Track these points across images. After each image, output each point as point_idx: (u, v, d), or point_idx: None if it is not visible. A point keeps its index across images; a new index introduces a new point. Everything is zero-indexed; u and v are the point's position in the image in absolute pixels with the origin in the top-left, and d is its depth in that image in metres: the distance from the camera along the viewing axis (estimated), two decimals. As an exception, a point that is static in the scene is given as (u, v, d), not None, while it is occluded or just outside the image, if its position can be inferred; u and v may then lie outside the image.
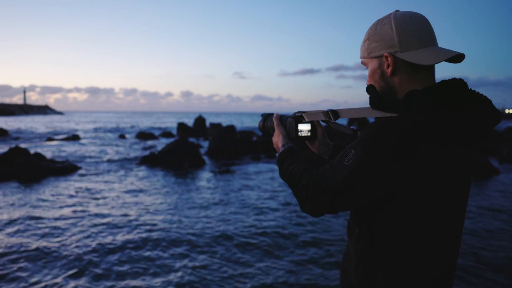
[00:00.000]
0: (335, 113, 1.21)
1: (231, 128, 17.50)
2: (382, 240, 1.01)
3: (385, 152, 0.92)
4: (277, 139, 1.39)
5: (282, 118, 1.44)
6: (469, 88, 1.02)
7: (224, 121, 49.55)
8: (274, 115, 1.46)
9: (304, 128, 1.38)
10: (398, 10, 1.07)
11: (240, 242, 5.67)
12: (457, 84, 1.02)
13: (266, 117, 1.56)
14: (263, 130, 1.58)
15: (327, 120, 1.33)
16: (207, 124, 33.97)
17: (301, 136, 1.39)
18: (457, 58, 1.00)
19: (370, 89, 1.09)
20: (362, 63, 1.17)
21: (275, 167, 13.84)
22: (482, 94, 1.01)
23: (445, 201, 0.98)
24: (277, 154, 1.36)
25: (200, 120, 32.91)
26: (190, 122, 37.79)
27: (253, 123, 65.03)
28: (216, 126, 29.93)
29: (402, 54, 1.03)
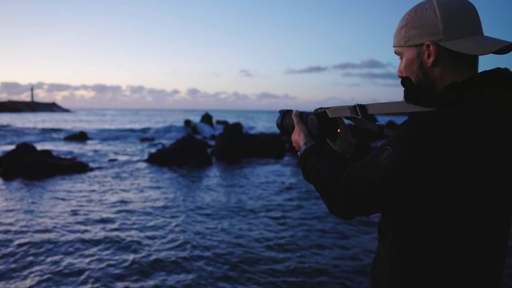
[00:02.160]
0: (363, 109, 1.11)
1: (237, 125, 17.44)
2: (418, 245, 0.92)
3: (424, 150, 0.84)
4: (298, 137, 1.29)
5: (302, 115, 1.35)
6: None
7: (231, 119, 49.56)
8: (294, 112, 1.37)
9: (326, 125, 1.28)
10: None
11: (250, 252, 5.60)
12: (502, 75, 0.92)
13: (285, 113, 1.46)
14: (281, 128, 1.48)
15: (353, 117, 1.23)
16: (214, 121, 34.03)
17: (324, 134, 1.29)
18: (505, 48, 0.90)
19: (405, 81, 0.99)
20: (395, 52, 1.06)
21: (283, 165, 13.77)
22: None
23: (487, 203, 0.89)
24: (299, 153, 1.26)
25: (206, 117, 32.97)
26: (197, 119, 37.82)
27: (260, 121, 65.00)
28: (223, 124, 29.92)
29: (446, 43, 0.92)
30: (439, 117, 0.86)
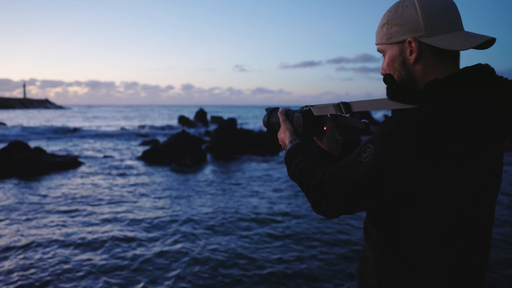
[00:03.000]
0: (347, 106, 1.11)
1: (232, 121, 17.41)
2: (402, 243, 0.92)
3: (407, 148, 0.83)
4: (284, 135, 1.29)
5: (288, 113, 1.34)
6: (497, 74, 0.92)
7: (226, 114, 49.48)
8: (280, 110, 1.36)
9: (312, 123, 1.27)
10: None
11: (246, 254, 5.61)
12: (483, 70, 0.91)
13: (271, 112, 1.46)
14: (268, 126, 1.48)
15: (338, 114, 1.23)
16: (208, 117, 33.92)
17: (309, 132, 1.28)
18: (486, 43, 0.90)
19: (387, 78, 0.99)
20: (378, 50, 1.06)
21: (276, 162, 13.78)
22: None
23: (471, 201, 0.89)
24: (284, 152, 1.25)
25: (201, 113, 32.88)
26: (191, 115, 37.73)
27: (254, 117, 64.90)
28: (217, 120, 29.86)
29: (428, 39, 0.93)
30: (421, 114, 0.85)
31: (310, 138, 1.33)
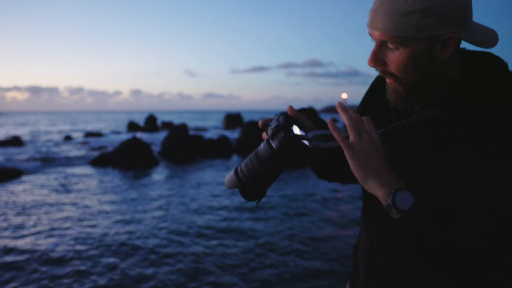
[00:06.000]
0: None
1: (183, 126, 17.25)
2: None
3: None
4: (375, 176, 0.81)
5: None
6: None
7: (176, 120, 48.78)
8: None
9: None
10: None
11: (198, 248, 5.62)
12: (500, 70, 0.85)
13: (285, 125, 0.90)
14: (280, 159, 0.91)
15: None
16: (159, 123, 33.32)
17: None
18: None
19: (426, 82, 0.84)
20: (387, 40, 0.81)
21: (228, 165, 13.84)
22: None
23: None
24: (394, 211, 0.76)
25: (151, 119, 32.24)
26: (141, 121, 36.80)
27: (205, 121, 64.57)
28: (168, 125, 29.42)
29: (464, 35, 0.80)
30: None
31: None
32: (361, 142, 0.77)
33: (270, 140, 0.87)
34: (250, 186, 0.90)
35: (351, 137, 0.78)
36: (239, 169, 0.91)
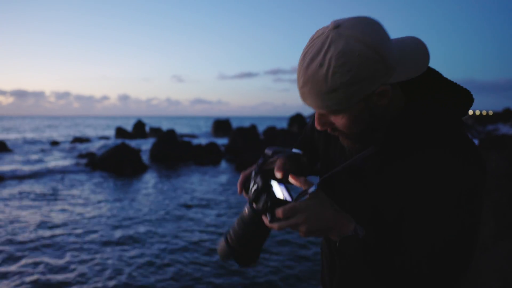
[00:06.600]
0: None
1: (171, 132, 17.26)
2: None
3: None
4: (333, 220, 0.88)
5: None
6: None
7: (164, 126, 48.57)
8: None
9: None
10: (337, 26, 0.77)
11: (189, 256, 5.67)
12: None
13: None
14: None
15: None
16: (147, 128, 33.11)
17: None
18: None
19: (366, 134, 0.88)
20: (323, 114, 0.86)
21: (217, 171, 13.87)
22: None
23: None
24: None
25: (139, 125, 32.03)
26: (129, 127, 36.51)
27: (193, 128, 64.38)
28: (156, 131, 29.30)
29: (394, 79, 0.80)
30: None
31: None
32: (307, 222, 0.81)
33: (253, 203, 0.87)
34: (241, 250, 0.91)
35: (299, 222, 0.82)
36: (228, 236, 0.94)
